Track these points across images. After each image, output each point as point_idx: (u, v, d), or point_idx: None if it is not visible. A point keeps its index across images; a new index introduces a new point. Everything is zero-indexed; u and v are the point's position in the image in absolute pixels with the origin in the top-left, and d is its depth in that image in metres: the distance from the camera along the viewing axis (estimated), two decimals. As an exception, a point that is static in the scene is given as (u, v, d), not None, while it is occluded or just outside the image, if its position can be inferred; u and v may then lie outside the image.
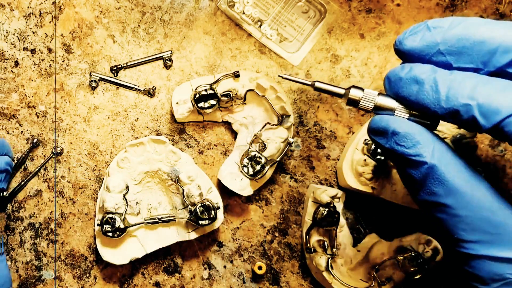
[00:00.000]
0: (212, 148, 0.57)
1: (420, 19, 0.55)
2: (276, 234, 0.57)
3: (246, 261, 0.57)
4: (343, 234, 0.55)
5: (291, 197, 0.57)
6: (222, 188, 0.55)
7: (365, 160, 0.52)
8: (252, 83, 0.54)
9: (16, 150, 0.56)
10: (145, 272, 0.57)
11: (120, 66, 0.56)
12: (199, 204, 0.52)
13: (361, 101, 0.37)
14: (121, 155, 0.54)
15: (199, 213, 0.52)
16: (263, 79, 0.53)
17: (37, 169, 0.56)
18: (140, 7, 0.57)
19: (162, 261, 0.57)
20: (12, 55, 0.57)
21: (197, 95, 0.53)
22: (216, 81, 0.53)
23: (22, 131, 0.57)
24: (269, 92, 0.53)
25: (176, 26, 0.56)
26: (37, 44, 0.57)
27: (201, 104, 0.53)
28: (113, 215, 0.52)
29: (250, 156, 0.52)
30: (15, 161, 0.56)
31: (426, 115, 0.35)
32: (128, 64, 0.56)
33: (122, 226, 0.52)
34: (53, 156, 0.56)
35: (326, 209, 0.52)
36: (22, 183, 0.56)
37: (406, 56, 0.36)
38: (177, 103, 0.54)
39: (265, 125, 0.53)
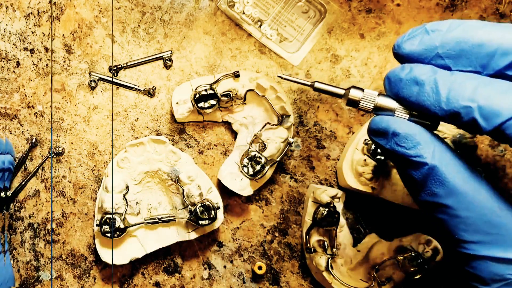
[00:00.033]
0: (212, 148, 0.57)
1: (420, 19, 0.55)
2: (276, 234, 0.57)
3: (246, 261, 0.57)
4: (343, 234, 0.55)
5: (291, 197, 0.57)
6: (222, 188, 0.55)
7: (365, 160, 0.52)
8: (252, 83, 0.54)
9: (17, 150, 0.56)
10: (145, 272, 0.57)
11: (120, 66, 0.56)
12: (199, 204, 0.52)
13: (361, 101, 0.37)
14: (121, 155, 0.54)
15: (199, 213, 0.52)
16: (263, 79, 0.53)
17: (35, 169, 0.56)
18: (140, 7, 0.56)
19: (162, 261, 0.57)
20: (14, 56, 0.57)
21: (197, 95, 0.53)
22: (216, 81, 0.53)
23: (22, 131, 0.57)
24: (269, 92, 0.53)
25: (176, 26, 0.56)
26: (36, 44, 0.57)
27: (201, 104, 0.53)
28: (112, 215, 0.52)
29: (250, 156, 0.52)
30: (16, 161, 0.56)
31: (427, 116, 0.35)
32: (128, 64, 0.56)
33: (122, 226, 0.52)
34: (50, 156, 0.56)
35: (326, 209, 0.52)
36: (23, 183, 0.56)
37: (405, 60, 0.36)
38: (177, 103, 0.54)
39: (265, 125, 0.53)
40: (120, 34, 0.56)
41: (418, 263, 0.50)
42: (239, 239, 0.57)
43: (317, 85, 0.39)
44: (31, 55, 0.57)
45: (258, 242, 0.57)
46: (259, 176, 0.52)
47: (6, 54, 0.57)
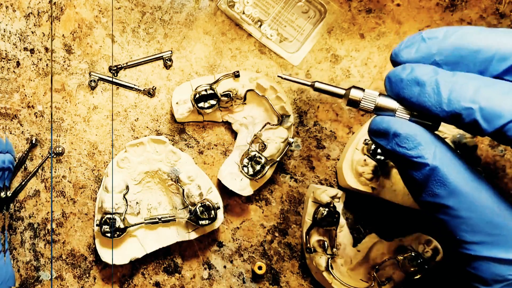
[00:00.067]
0: (212, 148, 0.57)
1: (420, 19, 0.55)
2: (276, 234, 0.57)
3: (246, 261, 0.57)
4: (343, 234, 0.55)
5: (291, 197, 0.57)
6: (222, 188, 0.54)
7: (365, 160, 0.52)
8: (252, 83, 0.54)
9: (17, 150, 0.56)
10: (145, 272, 0.57)
11: (120, 66, 0.56)
12: (199, 204, 0.52)
13: (361, 101, 0.37)
14: (121, 155, 0.54)
15: (199, 213, 0.52)
16: (263, 79, 0.53)
17: (35, 169, 0.56)
18: (140, 7, 0.56)
19: (162, 261, 0.57)
20: (14, 56, 0.56)
21: (197, 95, 0.52)
22: (216, 81, 0.53)
23: (22, 131, 0.57)
24: (269, 92, 0.53)
25: (176, 26, 0.56)
26: (36, 44, 0.57)
27: (201, 104, 0.53)
28: (112, 215, 0.52)
29: (250, 156, 0.52)
30: (16, 161, 0.56)
31: (428, 116, 0.35)
32: (129, 64, 0.56)
33: (122, 226, 0.52)
34: (50, 156, 0.56)
35: (326, 209, 0.52)
36: (23, 182, 0.56)
37: None
38: (177, 103, 0.54)
39: (265, 125, 0.53)
40: (120, 34, 0.56)
41: (418, 263, 0.50)
42: (239, 239, 0.57)
43: (317, 85, 0.39)
44: (31, 55, 0.56)
45: (258, 242, 0.57)
46: (259, 176, 0.52)
47: (6, 54, 0.56)
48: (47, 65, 0.56)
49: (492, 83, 0.32)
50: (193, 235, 0.54)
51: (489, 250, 0.33)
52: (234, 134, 0.57)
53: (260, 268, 0.55)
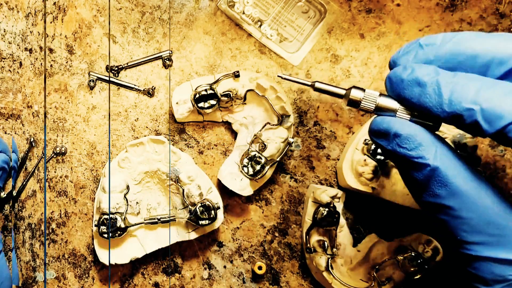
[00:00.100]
0: (212, 148, 0.57)
1: (420, 19, 0.55)
2: (276, 234, 0.57)
3: (246, 261, 0.57)
4: (343, 234, 0.55)
5: (291, 197, 0.57)
6: (222, 188, 0.54)
7: (365, 160, 0.52)
8: (252, 83, 0.54)
9: (20, 150, 0.56)
10: (144, 272, 0.57)
11: (121, 66, 0.56)
12: (199, 204, 0.52)
13: (362, 101, 0.37)
14: (122, 155, 0.54)
15: (199, 213, 0.52)
16: (263, 79, 0.53)
17: (32, 170, 0.56)
18: (140, 7, 0.56)
19: (161, 262, 0.57)
20: (18, 56, 0.56)
21: (197, 95, 0.52)
22: (216, 81, 0.53)
23: (24, 131, 0.56)
24: (269, 92, 0.53)
25: (176, 26, 0.56)
26: (37, 44, 0.56)
27: (201, 104, 0.53)
28: (112, 215, 0.52)
29: (250, 156, 0.52)
30: (19, 161, 0.56)
31: (428, 117, 0.35)
32: (129, 64, 0.56)
33: (123, 225, 0.52)
34: (43, 156, 0.56)
35: (326, 209, 0.52)
36: (24, 182, 0.56)
37: None
38: (177, 103, 0.54)
39: (265, 125, 0.53)
40: (121, 34, 0.56)
41: (418, 263, 0.50)
42: (239, 239, 0.57)
43: (317, 85, 0.39)
44: (30, 55, 0.56)
45: (258, 242, 0.57)
46: (259, 176, 0.52)
47: (12, 54, 0.56)
48: (51, 66, 0.56)
49: (493, 84, 0.32)
50: (193, 235, 0.54)
51: (490, 250, 0.33)
52: (234, 134, 0.57)
53: (260, 268, 0.55)
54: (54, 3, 0.56)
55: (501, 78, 0.33)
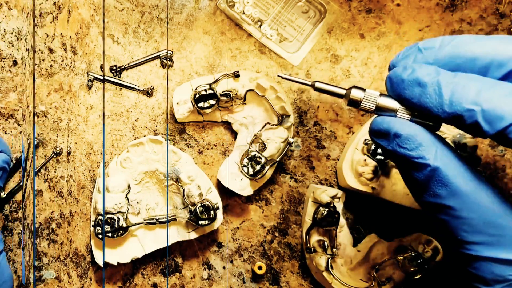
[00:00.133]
0: (212, 148, 0.57)
1: (420, 19, 0.55)
2: (276, 234, 0.57)
3: (246, 261, 0.57)
4: (343, 234, 0.55)
5: (291, 197, 0.57)
6: (222, 188, 0.54)
7: (365, 160, 0.52)
8: (252, 83, 0.53)
9: (20, 151, 0.56)
10: (144, 273, 0.57)
11: (124, 66, 0.56)
12: (199, 204, 0.52)
13: (362, 101, 0.37)
14: (124, 155, 0.54)
15: (198, 213, 0.52)
16: (263, 79, 0.53)
17: (29, 170, 0.56)
18: (140, 7, 0.56)
19: (159, 263, 0.57)
20: (18, 57, 0.56)
21: (197, 95, 0.52)
22: (216, 81, 0.53)
23: (21, 131, 0.56)
24: (269, 92, 0.53)
25: (176, 27, 0.56)
26: (37, 44, 0.56)
27: (201, 104, 0.53)
28: (113, 215, 0.52)
29: (250, 156, 0.52)
30: (13, 162, 0.56)
31: (429, 117, 0.35)
32: (130, 64, 0.56)
33: (124, 225, 0.52)
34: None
35: (326, 209, 0.52)
36: (21, 183, 0.56)
37: None
38: (177, 103, 0.54)
39: (265, 125, 0.53)
40: (122, 35, 0.56)
41: (418, 263, 0.50)
42: (239, 239, 0.57)
43: (318, 85, 0.39)
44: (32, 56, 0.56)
45: (258, 242, 0.57)
46: (259, 176, 0.52)
47: (11, 54, 0.56)
48: (51, 66, 0.56)
49: (494, 84, 0.32)
50: (193, 235, 0.54)
51: (490, 250, 0.33)
52: (234, 134, 0.57)
53: (260, 268, 0.55)
54: (54, 3, 0.56)
55: (501, 80, 0.33)
